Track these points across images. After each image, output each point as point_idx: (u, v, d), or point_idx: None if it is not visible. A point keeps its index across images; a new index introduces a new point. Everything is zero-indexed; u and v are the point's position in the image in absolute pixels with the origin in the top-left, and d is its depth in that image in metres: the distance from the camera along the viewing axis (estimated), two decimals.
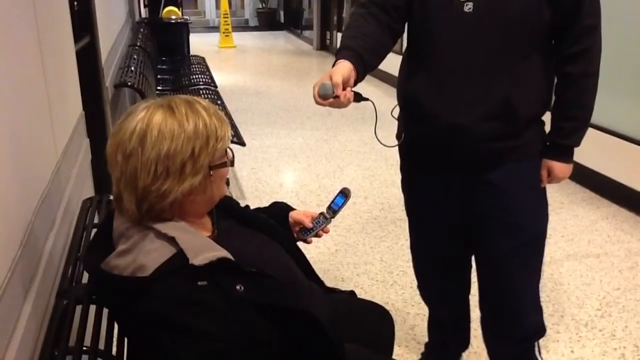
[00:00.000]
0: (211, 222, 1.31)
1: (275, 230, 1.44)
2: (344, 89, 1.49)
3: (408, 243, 2.06)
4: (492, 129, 1.62)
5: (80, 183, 1.97)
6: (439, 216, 1.86)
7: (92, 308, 1.34)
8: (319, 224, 1.52)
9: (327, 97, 1.49)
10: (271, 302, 1.17)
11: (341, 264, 3.06)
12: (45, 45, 1.72)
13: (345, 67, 1.53)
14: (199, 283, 1.09)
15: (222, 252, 1.14)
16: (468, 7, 1.57)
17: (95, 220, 1.71)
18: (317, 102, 1.52)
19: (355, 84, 1.57)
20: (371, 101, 1.59)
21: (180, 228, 1.16)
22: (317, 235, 1.54)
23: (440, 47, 1.63)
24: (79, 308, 1.32)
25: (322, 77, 1.52)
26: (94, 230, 1.40)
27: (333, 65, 1.58)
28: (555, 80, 1.69)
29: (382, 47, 1.68)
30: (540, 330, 1.93)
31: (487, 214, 1.75)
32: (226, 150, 1.22)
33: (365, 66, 1.59)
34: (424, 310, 2.19)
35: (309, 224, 1.53)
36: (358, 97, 1.56)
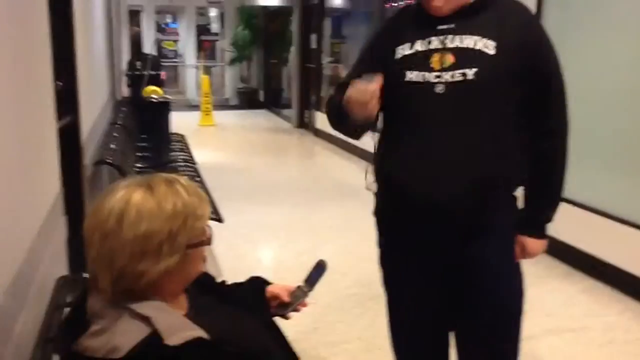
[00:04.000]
0: (187, 299, 1.30)
1: (253, 306, 1.43)
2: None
3: (387, 320, 2.04)
4: (467, 205, 1.66)
5: (55, 261, 1.95)
6: (417, 292, 1.86)
7: None
8: (297, 299, 1.51)
9: (366, 91, 1.57)
10: None
11: (319, 342, 3.01)
12: (26, 123, 1.74)
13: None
14: None
15: (198, 332, 1.13)
16: (439, 88, 1.64)
17: (69, 300, 1.68)
18: (348, 101, 1.60)
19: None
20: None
21: (156, 307, 1.14)
22: (296, 310, 1.53)
23: (414, 125, 1.69)
24: None
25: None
26: (68, 310, 1.37)
27: (335, 98, 1.74)
28: (529, 157, 1.74)
29: None
30: None
31: (464, 289, 1.76)
32: (204, 229, 1.23)
33: None
34: None
35: (286, 298, 1.52)
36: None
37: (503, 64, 1.62)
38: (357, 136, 1.83)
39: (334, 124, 1.86)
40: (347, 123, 1.72)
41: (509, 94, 1.65)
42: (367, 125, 1.73)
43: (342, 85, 1.77)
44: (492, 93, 1.63)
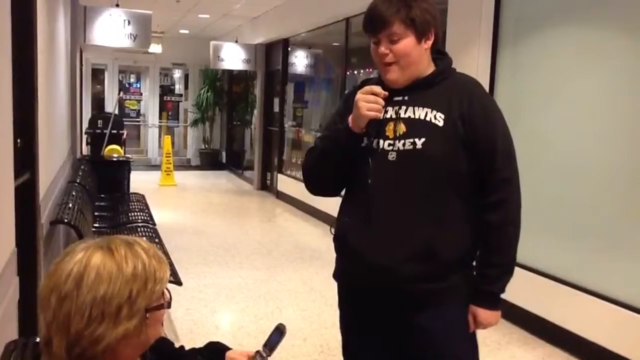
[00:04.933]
0: None
1: None
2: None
3: None
4: (415, 271, 1.69)
5: (5, 323, 1.87)
6: (374, 354, 1.85)
7: None
8: None
9: (376, 92, 1.73)
10: None
11: None
12: None
13: None
14: None
15: None
16: (392, 156, 1.71)
17: None
18: (360, 100, 1.72)
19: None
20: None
21: None
22: None
23: (368, 190, 1.74)
24: None
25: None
26: None
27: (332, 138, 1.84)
28: (478, 228, 1.77)
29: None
30: None
31: (417, 355, 1.77)
32: (164, 292, 1.21)
33: None
34: None
35: None
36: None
37: (451, 135, 1.69)
38: (340, 177, 1.84)
39: (319, 167, 1.88)
40: (341, 149, 1.79)
41: (456, 163, 1.71)
42: (356, 149, 1.77)
43: (311, 150, 1.88)
44: (439, 162, 1.70)
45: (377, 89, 1.74)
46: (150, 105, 14.38)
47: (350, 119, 1.76)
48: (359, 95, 1.74)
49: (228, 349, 1.56)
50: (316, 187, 1.93)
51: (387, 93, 1.74)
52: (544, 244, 3.96)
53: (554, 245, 4.00)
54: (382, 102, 1.73)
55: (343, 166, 1.81)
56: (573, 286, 3.77)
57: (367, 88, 1.75)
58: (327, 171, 1.86)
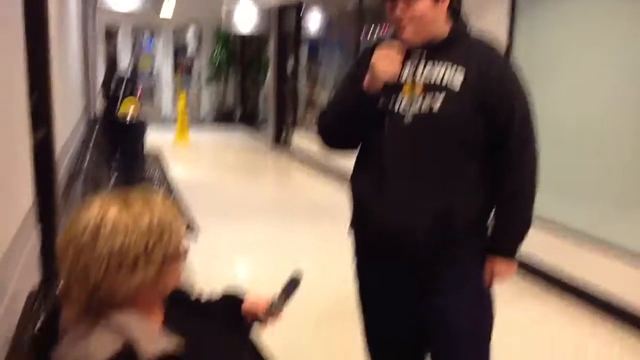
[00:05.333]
0: (162, 313, 1.29)
1: (228, 320, 1.42)
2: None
3: (362, 338, 2.04)
4: (431, 235, 1.68)
5: (26, 273, 1.92)
6: (390, 311, 1.88)
7: None
8: (272, 312, 1.51)
9: (394, 49, 1.69)
10: None
11: (295, 359, 2.99)
12: (1, 134, 1.72)
13: None
14: None
15: (171, 345, 1.12)
16: (407, 119, 1.68)
17: (42, 311, 1.65)
18: (376, 59, 1.69)
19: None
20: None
21: (130, 319, 1.14)
22: (270, 324, 1.52)
23: (384, 153, 1.71)
24: None
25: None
26: (41, 321, 1.35)
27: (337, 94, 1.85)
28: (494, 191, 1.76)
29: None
30: None
31: (432, 314, 1.78)
32: (180, 244, 1.22)
33: None
34: None
35: (261, 311, 1.51)
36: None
37: (468, 98, 1.66)
38: (357, 133, 1.82)
39: (336, 122, 1.85)
40: (357, 106, 1.75)
41: (474, 127, 1.68)
42: (374, 102, 1.73)
43: (333, 96, 1.86)
44: (456, 126, 1.67)
45: (395, 48, 1.70)
46: (164, 65, 14.31)
47: (365, 80, 1.72)
48: (376, 56, 1.70)
49: (244, 296, 1.58)
50: (331, 144, 1.91)
51: (404, 52, 1.70)
52: (562, 198, 3.95)
53: (571, 198, 3.99)
54: (399, 63, 1.69)
55: (357, 127, 1.79)
56: (589, 239, 3.77)
57: (384, 47, 1.71)
58: (341, 131, 1.85)
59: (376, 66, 1.69)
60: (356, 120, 1.78)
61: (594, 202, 3.86)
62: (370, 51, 1.79)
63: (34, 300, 1.70)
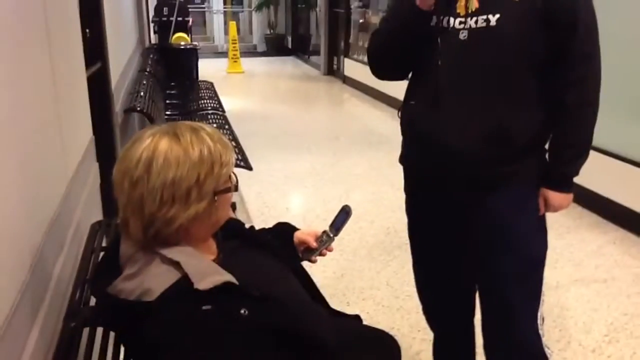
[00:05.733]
0: (216, 244, 1.33)
1: (281, 251, 1.45)
2: None
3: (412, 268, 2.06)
4: (487, 153, 1.64)
5: (89, 207, 2.00)
6: (440, 238, 1.87)
7: (99, 331, 1.36)
8: (323, 243, 1.54)
9: None
10: (276, 325, 1.18)
11: (347, 288, 3.06)
12: (57, 70, 1.76)
13: None
14: (204, 307, 1.10)
15: (226, 276, 1.16)
16: (463, 34, 1.61)
17: (104, 244, 1.73)
18: None
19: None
20: None
21: (186, 252, 1.17)
22: (322, 254, 1.55)
23: (437, 71, 1.66)
24: (86, 331, 1.33)
25: None
26: (102, 254, 1.41)
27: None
28: (553, 108, 1.70)
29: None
30: (540, 358, 1.91)
31: (485, 238, 1.76)
32: (231, 175, 1.24)
33: None
34: (430, 335, 2.19)
35: (313, 243, 1.54)
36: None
37: (528, 9, 1.56)
38: (408, 59, 1.76)
39: (387, 48, 1.79)
40: (410, 26, 1.68)
41: (533, 41, 1.60)
42: (427, 26, 1.66)
43: (385, 15, 1.81)
44: (514, 41, 1.59)
45: None
46: None
47: None
48: None
49: (296, 229, 1.61)
50: (382, 71, 1.86)
51: None
52: (618, 125, 3.78)
53: (629, 126, 3.81)
54: None
55: (410, 48, 1.72)
56: None
57: None
58: (393, 54, 1.77)
59: None
60: (409, 40, 1.70)
61: None
62: None
63: (96, 231, 1.77)
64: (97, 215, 2.26)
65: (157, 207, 1.14)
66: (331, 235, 1.54)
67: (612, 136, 3.69)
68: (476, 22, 1.59)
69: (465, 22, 1.60)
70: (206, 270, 1.16)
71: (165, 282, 1.11)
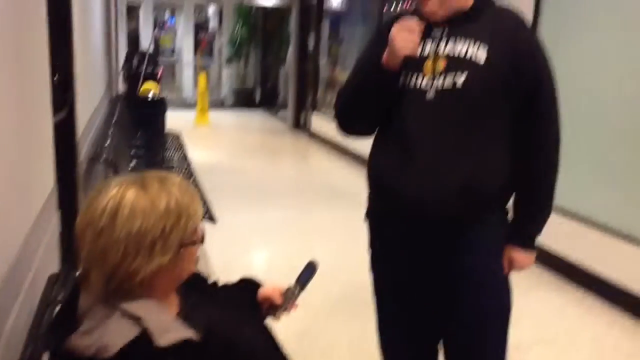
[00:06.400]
0: (179, 299, 1.30)
1: (245, 307, 1.43)
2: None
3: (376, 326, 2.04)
4: (454, 210, 1.66)
5: (47, 257, 1.94)
6: (406, 295, 1.87)
7: None
8: (288, 300, 1.52)
9: (412, 21, 1.66)
10: None
11: (309, 346, 3.01)
12: (23, 117, 1.74)
13: None
14: None
15: (187, 333, 1.13)
16: (430, 94, 1.65)
17: (61, 296, 1.68)
18: (394, 35, 1.65)
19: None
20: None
21: (147, 307, 1.14)
22: (287, 311, 1.53)
23: (405, 130, 1.69)
24: None
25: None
26: (59, 307, 1.37)
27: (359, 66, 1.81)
28: (517, 168, 1.74)
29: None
30: None
31: (450, 297, 1.77)
32: (197, 227, 1.23)
33: None
34: None
35: (278, 300, 1.52)
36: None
37: (493, 73, 1.62)
38: (373, 117, 1.80)
39: (353, 105, 1.82)
40: (376, 85, 1.72)
41: (498, 103, 1.65)
42: (394, 85, 1.71)
43: (352, 73, 1.84)
44: (480, 102, 1.64)
45: (414, 22, 1.65)
46: (184, 43, 14.31)
47: (384, 55, 1.68)
48: (394, 30, 1.65)
49: (260, 284, 1.59)
50: (349, 127, 1.88)
51: (424, 26, 1.66)
52: (580, 187, 3.89)
53: (590, 188, 3.92)
54: (419, 38, 1.66)
55: (377, 106, 1.76)
56: (608, 231, 3.72)
57: (403, 22, 1.67)
58: (359, 110, 1.81)
59: (395, 40, 1.64)
60: (375, 98, 1.74)
61: (613, 190, 3.78)
62: (390, 25, 1.76)
63: (54, 283, 1.72)
64: (55, 266, 2.20)
65: (120, 259, 1.11)
66: (296, 291, 1.53)
67: (571, 197, 3.79)
68: (443, 83, 1.64)
69: (432, 82, 1.65)
70: (167, 326, 1.13)
71: (124, 337, 1.08)
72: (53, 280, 1.72)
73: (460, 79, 1.62)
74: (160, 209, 1.13)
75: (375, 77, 1.72)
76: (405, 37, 1.64)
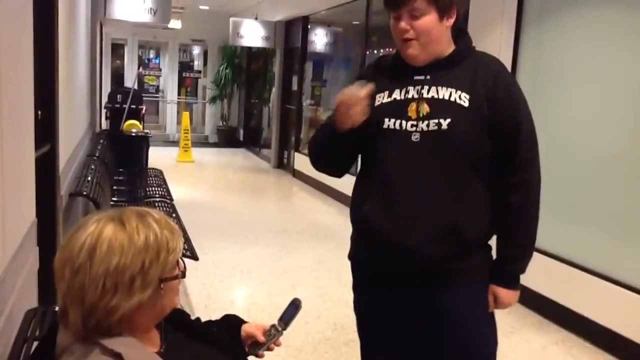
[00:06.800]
0: (160, 335, 1.27)
1: (227, 344, 1.41)
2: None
3: None
4: (439, 251, 1.68)
5: (25, 292, 1.90)
6: (390, 336, 1.86)
7: None
8: (271, 337, 1.50)
9: (356, 95, 1.65)
10: None
11: None
12: (5, 151, 1.72)
13: None
14: None
15: None
16: (415, 137, 1.68)
17: (38, 333, 1.63)
18: (340, 99, 1.66)
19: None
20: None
21: (127, 344, 1.12)
22: (269, 349, 1.51)
23: (390, 171, 1.71)
24: None
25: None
26: (36, 344, 1.33)
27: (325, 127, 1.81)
28: (499, 208, 1.76)
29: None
30: None
31: (436, 335, 1.76)
32: (178, 262, 1.21)
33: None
34: None
35: (261, 337, 1.50)
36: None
37: (476, 116, 1.67)
38: (339, 165, 1.88)
39: (320, 151, 1.90)
40: (334, 141, 1.78)
41: (481, 145, 1.69)
42: (348, 145, 1.78)
43: (326, 124, 1.85)
44: (464, 143, 1.67)
45: (361, 91, 1.67)
46: (169, 81, 14.41)
47: (337, 99, 1.71)
48: (339, 98, 1.69)
49: (244, 322, 1.57)
50: (322, 170, 1.94)
51: (371, 88, 1.68)
52: (560, 229, 3.93)
53: (570, 229, 3.96)
54: (365, 107, 1.68)
55: (342, 156, 1.84)
56: (589, 272, 3.74)
57: (348, 91, 1.68)
58: (327, 160, 1.89)
59: (339, 111, 1.69)
60: (338, 151, 1.82)
61: (595, 231, 3.82)
62: (371, 68, 1.80)
63: (31, 319, 1.68)
64: (33, 302, 2.15)
65: (99, 297, 1.09)
66: (279, 329, 1.51)
67: (553, 239, 3.82)
68: (428, 125, 1.67)
69: (417, 125, 1.68)
70: None
71: None
72: (31, 316, 1.68)
73: (445, 121, 1.65)
74: (139, 245, 1.12)
75: (333, 137, 1.77)
76: (344, 112, 1.68)
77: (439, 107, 1.67)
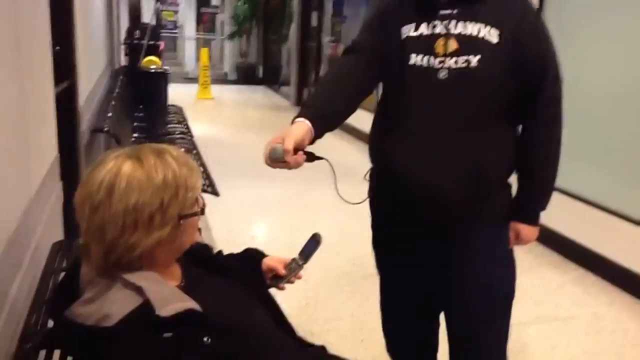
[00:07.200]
0: (181, 270, 1.29)
1: (248, 277, 1.43)
2: (295, 153, 1.50)
3: (379, 300, 2.05)
4: (462, 190, 1.66)
5: (50, 226, 1.94)
6: (409, 274, 1.87)
7: (56, 353, 1.31)
8: (292, 271, 1.52)
9: (277, 160, 1.53)
10: (239, 355, 1.15)
11: (311, 318, 3.02)
12: (25, 87, 1.72)
13: (300, 130, 1.58)
14: (165, 335, 1.06)
15: (190, 303, 1.12)
16: (443, 74, 1.63)
17: (64, 265, 1.68)
18: (267, 164, 1.55)
19: (312, 142, 1.62)
20: (326, 160, 1.65)
21: (148, 278, 1.13)
22: (290, 282, 1.53)
23: (415, 109, 1.68)
24: (42, 353, 1.28)
25: (275, 137, 1.55)
26: (62, 275, 1.37)
27: (292, 122, 1.62)
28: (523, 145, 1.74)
29: (349, 104, 1.75)
30: None
31: (456, 273, 1.77)
32: (197, 199, 1.21)
33: (326, 126, 1.66)
34: None
35: (282, 270, 1.52)
36: (311, 157, 1.61)
37: (505, 54, 1.61)
38: (350, 112, 1.84)
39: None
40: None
41: (508, 82, 1.65)
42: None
43: (346, 51, 1.80)
44: (492, 81, 1.63)
45: (285, 154, 1.59)
46: (187, 17, 14.20)
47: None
48: (265, 156, 1.62)
49: (265, 255, 1.59)
50: None
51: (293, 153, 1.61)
52: (580, 168, 3.88)
53: (591, 169, 3.92)
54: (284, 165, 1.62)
55: (347, 113, 1.81)
56: (608, 211, 3.72)
57: (268, 154, 1.61)
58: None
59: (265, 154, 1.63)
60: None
61: (615, 170, 3.78)
62: (389, 5, 1.74)
63: (57, 252, 1.72)
64: (59, 235, 2.20)
65: (119, 233, 1.10)
66: (300, 263, 1.53)
67: (572, 178, 3.78)
68: (456, 62, 1.62)
69: (444, 62, 1.63)
70: (169, 297, 1.12)
71: (125, 307, 1.07)
72: (57, 249, 1.72)
73: (474, 58, 1.60)
74: (157, 182, 1.12)
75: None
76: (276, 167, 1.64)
77: (468, 44, 1.61)
